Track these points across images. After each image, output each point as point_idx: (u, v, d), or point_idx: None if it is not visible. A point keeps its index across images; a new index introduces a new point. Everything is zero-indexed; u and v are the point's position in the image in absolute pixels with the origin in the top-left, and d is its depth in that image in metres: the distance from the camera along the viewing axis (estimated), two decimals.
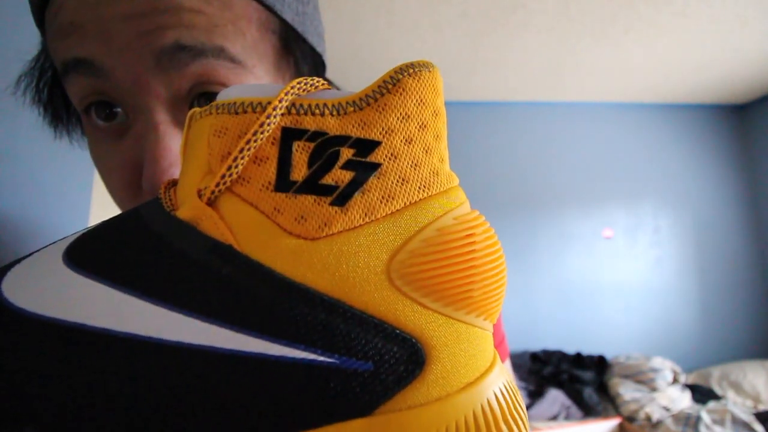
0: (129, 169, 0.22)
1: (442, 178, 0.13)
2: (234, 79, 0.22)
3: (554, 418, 1.94)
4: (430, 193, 0.13)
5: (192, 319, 0.11)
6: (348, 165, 0.12)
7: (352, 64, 2.03)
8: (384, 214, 0.12)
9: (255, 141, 0.12)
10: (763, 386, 1.97)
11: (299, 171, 0.12)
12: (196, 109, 0.13)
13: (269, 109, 0.12)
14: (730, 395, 1.99)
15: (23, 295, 0.12)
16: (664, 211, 2.48)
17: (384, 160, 0.12)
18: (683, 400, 1.92)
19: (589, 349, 2.31)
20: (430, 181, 0.13)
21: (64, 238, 0.14)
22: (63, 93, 0.27)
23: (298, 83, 0.12)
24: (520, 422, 0.12)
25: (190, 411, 0.11)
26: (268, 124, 0.12)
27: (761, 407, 1.90)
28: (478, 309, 0.13)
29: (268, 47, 0.23)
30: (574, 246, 2.43)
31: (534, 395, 2.01)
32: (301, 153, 0.12)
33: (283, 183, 0.12)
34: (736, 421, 1.74)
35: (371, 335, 0.11)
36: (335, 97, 0.12)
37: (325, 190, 0.12)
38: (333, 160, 0.12)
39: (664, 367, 2.04)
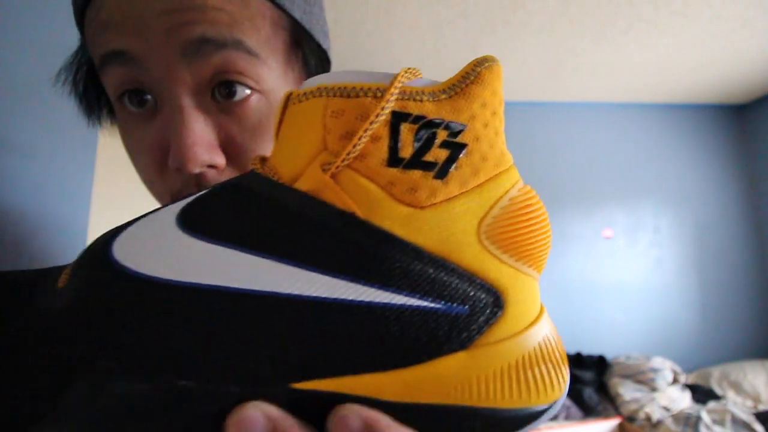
0: (156, 149, 0.25)
1: (506, 157, 0.15)
2: (250, 69, 0.24)
3: (554, 418, 1.94)
4: (501, 169, 0.15)
5: (318, 274, 0.13)
6: (444, 144, 0.14)
7: (353, 64, 2.03)
8: (472, 186, 0.14)
9: (375, 123, 0.13)
10: (763, 386, 1.97)
11: (407, 149, 0.14)
12: (295, 91, 0.15)
13: (387, 95, 0.13)
14: (730, 395, 1.99)
15: (140, 259, 0.13)
16: (664, 211, 2.48)
17: (470, 141, 0.14)
18: (683, 400, 1.92)
19: (589, 349, 2.31)
20: (500, 159, 0.15)
21: (168, 206, 0.16)
22: (95, 85, 0.30)
23: (405, 72, 0.14)
24: (564, 355, 0.15)
25: (308, 358, 0.13)
26: (387, 108, 0.13)
27: (761, 407, 1.90)
28: (536, 262, 0.15)
29: (279, 42, 0.26)
30: (574, 246, 2.43)
31: None
32: (407, 133, 0.14)
33: (395, 159, 0.14)
34: (736, 421, 1.74)
35: (467, 286, 0.14)
36: (429, 86, 0.14)
37: (428, 166, 0.14)
38: (432, 140, 0.14)
39: (664, 367, 2.04)
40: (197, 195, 0.15)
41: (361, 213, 0.14)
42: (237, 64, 0.24)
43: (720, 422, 1.75)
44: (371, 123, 0.13)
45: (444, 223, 0.14)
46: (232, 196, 0.14)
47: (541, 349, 0.15)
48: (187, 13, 0.22)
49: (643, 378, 2.02)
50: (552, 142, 2.51)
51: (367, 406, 0.12)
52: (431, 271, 0.13)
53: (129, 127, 0.26)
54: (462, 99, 0.14)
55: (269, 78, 0.26)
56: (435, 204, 0.14)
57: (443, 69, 2.15)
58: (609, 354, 2.28)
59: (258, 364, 0.12)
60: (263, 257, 0.13)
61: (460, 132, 0.14)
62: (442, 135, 0.14)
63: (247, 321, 0.12)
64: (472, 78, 0.14)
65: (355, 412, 0.12)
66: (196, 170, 0.24)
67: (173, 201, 0.22)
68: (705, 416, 1.76)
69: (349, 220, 0.13)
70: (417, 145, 0.14)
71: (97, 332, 0.12)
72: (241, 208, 0.14)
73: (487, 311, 0.14)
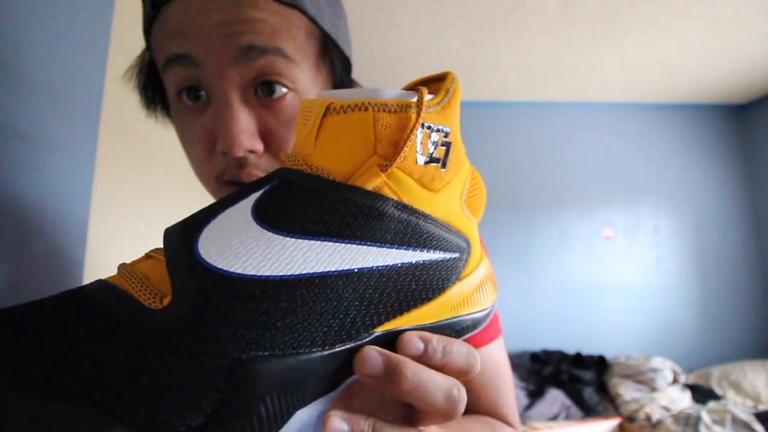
0: (206, 137, 0.30)
1: (463, 150, 0.21)
2: (287, 71, 0.29)
3: (554, 418, 1.94)
4: (464, 159, 0.21)
5: (388, 248, 0.17)
6: (442, 144, 0.19)
7: (353, 64, 2.03)
8: (455, 173, 0.20)
9: (413, 132, 0.17)
10: (763, 386, 1.97)
11: (426, 150, 0.18)
12: (335, 103, 0.18)
13: (421, 112, 0.18)
14: (730, 395, 1.99)
15: (240, 263, 0.15)
16: (664, 211, 2.48)
17: (453, 140, 0.19)
18: (683, 400, 1.92)
19: (589, 349, 2.31)
20: (462, 149, 0.21)
21: (235, 202, 0.18)
22: (154, 84, 0.36)
23: (424, 91, 0.18)
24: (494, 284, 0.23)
25: (384, 308, 0.18)
26: (421, 120, 0.18)
27: (761, 407, 1.90)
28: (479, 214, 0.22)
29: (311, 49, 0.31)
30: (574, 246, 2.43)
31: (534, 395, 2.01)
32: (425, 138, 0.18)
33: (420, 158, 0.18)
34: (736, 421, 1.74)
35: (459, 240, 0.20)
36: (428, 99, 0.19)
37: (437, 161, 0.19)
38: (437, 142, 0.19)
39: (664, 367, 2.04)
40: (264, 192, 0.18)
41: (406, 200, 0.18)
42: (276, 68, 0.29)
43: (720, 422, 1.75)
44: (411, 133, 0.17)
45: (449, 201, 0.20)
46: (304, 196, 0.17)
47: (488, 272, 0.23)
48: (239, 24, 0.27)
49: (643, 378, 2.02)
50: (552, 142, 2.52)
51: (417, 330, 0.19)
52: (444, 234, 0.19)
53: (184, 118, 0.31)
54: (447, 109, 0.19)
55: (302, 79, 0.30)
56: (442, 188, 0.19)
57: (443, 69, 2.15)
58: (609, 354, 2.28)
59: (354, 323, 0.17)
60: (346, 243, 0.17)
61: (448, 134, 0.19)
62: (441, 137, 0.19)
63: (345, 293, 0.16)
64: (451, 93, 0.19)
65: (415, 335, 0.18)
66: (240, 154, 0.29)
67: (220, 182, 0.30)
68: (705, 416, 1.76)
69: (403, 207, 0.18)
70: (431, 146, 0.19)
71: (232, 332, 0.14)
72: (315, 206, 0.17)
73: (465, 254, 0.21)
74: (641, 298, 2.40)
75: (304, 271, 0.16)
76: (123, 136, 0.72)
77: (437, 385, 0.18)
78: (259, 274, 0.15)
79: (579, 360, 2.21)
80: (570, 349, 2.30)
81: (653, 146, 2.52)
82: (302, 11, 0.30)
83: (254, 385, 0.14)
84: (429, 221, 0.19)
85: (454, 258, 0.20)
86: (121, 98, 0.70)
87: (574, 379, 2.08)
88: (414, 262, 0.18)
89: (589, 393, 2.01)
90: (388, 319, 0.18)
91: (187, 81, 0.29)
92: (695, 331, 2.39)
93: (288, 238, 0.16)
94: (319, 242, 0.16)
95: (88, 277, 0.60)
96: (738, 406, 1.89)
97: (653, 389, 1.98)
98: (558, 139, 2.52)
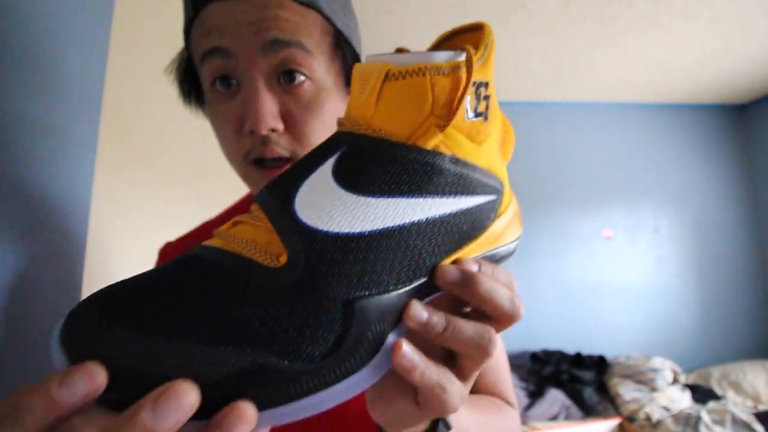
0: (236, 119, 0.35)
1: (497, 99, 0.23)
2: (305, 62, 0.34)
3: (554, 418, 1.94)
4: (497, 107, 0.23)
5: (448, 198, 0.20)
6: (484, 98, 0.21)
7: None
8: (493, 123, 0.22)
9: (466, 92, 0.19)
10: (763, 386, 1.97)
11: (472, 106, 0.21)
12: (392, 68, 0.20)
13: (471, 72, 0.19)
14: (730, 395, 1.99)
15: (334, 223, 0.19)
16: (664, 211, 2.48)
17: (491, 93, 0.22)
18: (683, 400, 1.92)
19: (589, 349, 2.31)
20: (496, 101, 0.23)
21: (315, 166, 0.20)
22: (189, 80, 0.41)
23: (470, 50, 0.20)
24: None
25: (445, 248, 0.21)
26: (471, 80, 0.19)
27: (761, 407, 1.90)
28: (509, 156, 0.25)
29: (326, 44, 0.37)
30: (574, 246, 2.43)
31: (534, 395, 2.01)
32: (472, 95, 0.20)
33: (469, 114, 0.20)
34: (736, 421, 1.74)
35: (496, 183, 0.23)
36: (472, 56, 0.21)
37: (481, 115, 0.21)
38: (480, 97, 0.21)
39: (664, 367, 2.04)
40: (338, 157, 0.20)
41: (458, 155, 0.21)
42: (297, 59, 0.34)
43: (720, 422, 1.75)
44: (463, 93, 0.19)
45: (490, 150, 0.22)
46: (375, 160, 0.20)
47: (516, 208, 0.25)
48: (266, 22, 0.33)
49: (643, 378, 2.02)
50: (552, 142, 2.52)
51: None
52: (487, 180, 0.22)
53: (217, 103, 0.36)
54: (485, 65, 0.21)
55: (318, 69, 0.35)
56: (484, 140, 0.22)
57: None
58: (609, 354, 2.28)
59: (424, 262, 0.20)
60: (414, 197, 0.20)
61: (487, 86, 0.21)
62: (483, 92, 0.21)
63: (417, 240, 0.19)
64: (489, 46, 0.21)
65: (470, 259, 0.22)
66: (264, 132, 0.34)
67: (247, 161, 0.36)
68: (705, 416, 1.76)
69: (456, 161, 0.20)
70: (476, 102, 0.21)
71: (340, 280, 0.18)
72: (387, 169, 0.20)
73: (501, 195, 0.23)
74: (641, 298, 2.40)
75: (385, 226, 0.19)
76: (123, 136, 0.72)
77: (503, 290, 0.21)
78: (352, 231, 0.19)
79: (579, 360, 2.21)
80: (570, 349, 2.30)
81: (653, 146, 2.52)
82: (319, 11, 0.35)
83: (362, 318, 0.18)
84: (477, 171, 0.21)
85: (493, 199, 0.23)
86: (121, 98, 0.70)
87: (574, 379, 2.08)
88: (466, 207, 0.21)
89: (589, 393, 2.01)
90: (448, 255, 0.21)
91: (221, 70, 0.35)
92: (695, 331, 2.39)
93: (369, 198, 0.19)
94: (393, 199, 0.19)
95: (89, 275, 0.60)
96: (738, 406, 1.89)
97: (653, 389, 1.98)
98: (558, 139, 2.52)
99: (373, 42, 1.86)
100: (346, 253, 0.18)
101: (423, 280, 0.20)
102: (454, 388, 0.21)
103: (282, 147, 0.35)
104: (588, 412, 1.97)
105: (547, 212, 2.45)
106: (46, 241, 0.50)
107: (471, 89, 0.20)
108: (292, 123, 0.35)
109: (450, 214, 0.20)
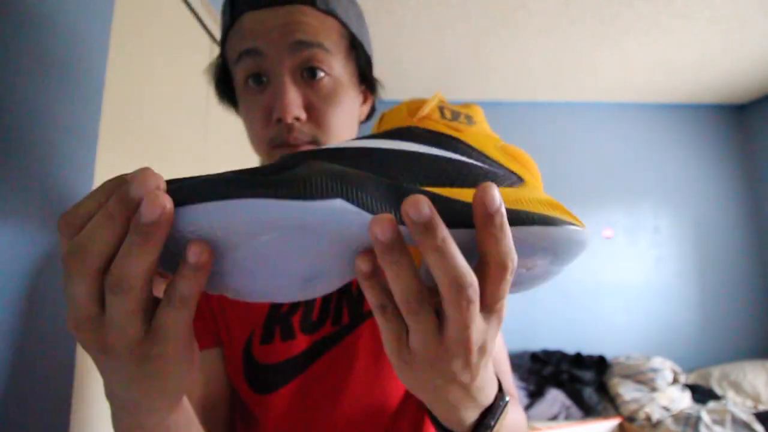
0: (265, 110, 0.40)
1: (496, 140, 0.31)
2: (325, 60, 0.40)
3: (554, 418, 1.94)
4: (493, 136, 0.30)
5: (437, 149, 0.25)
6: (465, 118, 0.30)
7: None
8: (479, 126, 0.30)
9: (427, 107, 0.29)
10: (763, 386, 1.97)
11: (438, 114, 0.29)
12: (385, 112, 0.31)
13: (432, 100, 0.30)
14: (730, 395, 1.99)
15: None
16: (664, 211, 2.48)
17: (469, 113, 0.31)
18: (683, 400, 1.92)
19: (589, 349, 2.31)
20: (484, 126, 0.31)
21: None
22: (224, 78, 0.46)
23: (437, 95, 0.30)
24: (559, 205, 0.27)
25: (426, 175, 0.24)
26: (431, 103, 0.29)
27: (761, 407, 1.90)
28: (532, 176, 0.29)
29: (342, 46, 0.42)
30: None
31: (534, 395, 2.01)
32: (435, 109, 0.29)
33: (444, 116, 0.29)
34: (736, 421, 1.74)
35: (495, 167, 0.27)
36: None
37: (457, 117, 0.29)
38: (442, 110, 0.29)
39: (664, 367, 2.04)
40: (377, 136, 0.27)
41: (449, 132, 0.27)
42: (318, 57, 0.39)
43: (720, 422, 1.75)
44: (427, 107, 0.28)
45: (476, 137, 0.28)
46: (403, 135, 0.27)
47: (552, 201, 0.27)
48: (292, 26, 0.39)
49: (643, 378, 2.02)
50: (552, 142, 2.52)
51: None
52: (477, 154, 0.27)
53: (249, 98, 0.42)
54: (431, 116, 0.29)
55: (336, 66, 0.41)
56: (466, 131, 0.28)
57: (443, 69, 2.15)
58: (609, 354, 2.28)
59: (405, 177, 0.24)
60: (415, 144, 0.26)
61: (456, 113, 0.30)
62: (447, 112, 0.29)
63: (408, 160, 0.25)
64: (430, 108, 0.29)
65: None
66: (290, 120, 0.39)
67: (272, 146, 0.41)
68: (705, 416, 1.76)
69: (429, 131, 0.27)
70: (440, 113, 0.29)
71: (372, 167, 0.24)
72: (404, 135, 0.27)
73: (514, 177, 0.27)
74: (641, 298, 2.40)
75: (394, 148, 0.25)
76: (124, 135, 0.72)
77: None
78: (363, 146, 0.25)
79: (579, 360, 2.21)
80: (570, 349, 2.30)
81: (653, 146, 2.52)
82: (336, 17, 0.41)
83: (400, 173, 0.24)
84: (461, 141, 0.27)
85: (492, 171, 0.26)
86: (120, 99, 0.70)
87: (574, 379, 2.08)
88: (443, 156, 0.25)
89: (589, 393, 2.01)
90: (429, 185, 0.24)
91: (253, 69, 0.40)
92: (695, 331, 2.39)
93: (391, 141, 0.26)
94: (404, 143, 0.26)
95: None
96: (738, 406, 1.89)
97: (653, 389, 1.98)
98: (558, 139, 2.52)
99: (373, 42, 1.85)
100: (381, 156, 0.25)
101: (410, 186, 0.24)
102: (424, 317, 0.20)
103: (304, 133, 0.40)
104: (588, 412, 1.97)
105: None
106: (46, 241, 0.50)
107: (434, 106, 0.29)
108: (313, 112, 0.40)
109: (424, 153, 0.25)
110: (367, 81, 0.47)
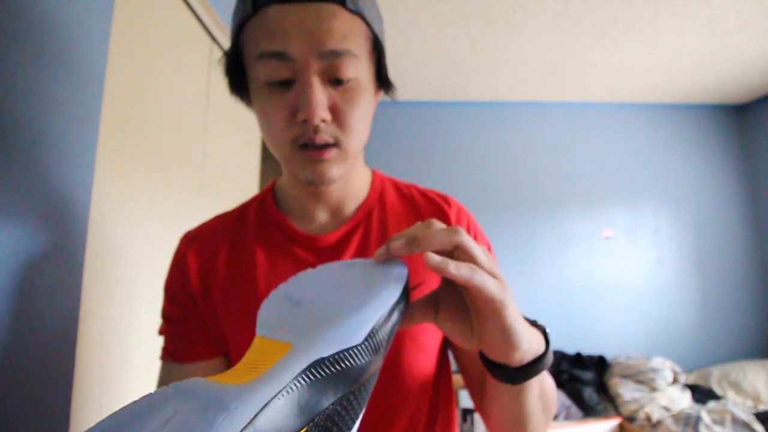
0: (288, 109, 0.40)
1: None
2: (352, 65, 0.40)
3: (554, 418, 1.94)
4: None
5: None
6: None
7: None
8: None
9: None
10: (763, 386, 1.97)
11: None
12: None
13: None
14: (730, 395, 1.99)
15: None
16: (664, 211, 2.48)
17: None
18: (683, 400, 1.92)
19: (589, 349, 2.31)
20: None
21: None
22: (236, 71, 0.45)
23: None
24: None
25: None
26: None
27: (761, 407, 1.90)
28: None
29: (367, 47, 0.43)
30: (574, 246, 2.43)
31: None
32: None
33: None
34: (736, 421, 1.74)
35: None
36: None
37: None
38: None
39: (664, 367, 2.04)
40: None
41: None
42: (346, 63, 0.40)
43: (720, 422, 1.75)
44: None
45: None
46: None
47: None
48: (324, 34, 0.39)
49: (643, 378, 2.02)
50: (552, 142, 2.52)
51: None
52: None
53: (271, 97, 0.41)
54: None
55: (361, 69, 0.42)
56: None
57: (443, 69, 2.15)
58: (609, 354, 2.28)
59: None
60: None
61: None
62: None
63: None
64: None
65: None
66: (316, 122, 0.39)
67: (294, 145, 0.42)
68: (705, 416, 1.76)
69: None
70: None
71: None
72: None
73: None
74: (641, 298, 2.40)
75: None
76: (123, 137, 0.72)
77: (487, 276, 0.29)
78: None
79: (579, 360, 2.21)
80: (570, 349, 2.30)
81: (653, 146, 2.52)
82: (363, 18, 0.42)
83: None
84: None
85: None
86: (120, 100, 0.70)
87: (574, 379, 2.08)
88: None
89: (589, 393, 2.01)
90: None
91: (280, 72, 0.40)
92: (695, 331, 2.39)
93: None
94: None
95: (89, 274, 0.60)
96: (738, 406, 1.89)
97: (653, 389, 1.98)
98: (558, 139, 2.52)
99: None
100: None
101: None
102: (488, 280, 0.28)
103: (329, 134, 0.41)
104: (588, 412, 1.97)
105: (547, 212, 2.45)
106: (46, 241, 0.50)
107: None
108: (338, 114, 0.41)
109: None
110: (383, 82, 0.47)
